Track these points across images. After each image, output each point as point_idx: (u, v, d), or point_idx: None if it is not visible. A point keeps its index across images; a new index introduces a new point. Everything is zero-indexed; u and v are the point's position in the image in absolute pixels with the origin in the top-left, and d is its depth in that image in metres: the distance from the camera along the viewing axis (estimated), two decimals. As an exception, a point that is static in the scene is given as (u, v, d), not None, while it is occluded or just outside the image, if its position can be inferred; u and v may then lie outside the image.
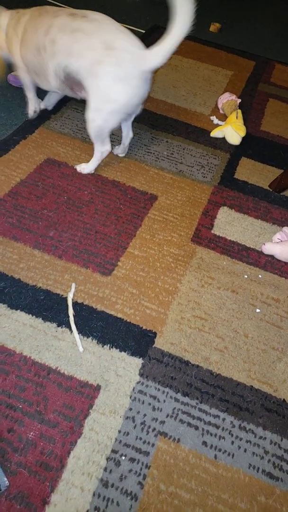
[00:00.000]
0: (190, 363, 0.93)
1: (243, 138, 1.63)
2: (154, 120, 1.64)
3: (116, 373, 0.88)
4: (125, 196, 1.28)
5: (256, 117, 1.79)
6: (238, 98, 1.81)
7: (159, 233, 1.20)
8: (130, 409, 0.83)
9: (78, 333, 0.92)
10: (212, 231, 1.25)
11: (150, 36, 2.22)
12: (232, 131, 1.58)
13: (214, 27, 2.45)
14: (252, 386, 0.92)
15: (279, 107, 1.90)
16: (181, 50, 2.16)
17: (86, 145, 1.44)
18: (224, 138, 1.62)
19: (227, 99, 1.72)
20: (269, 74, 2.15)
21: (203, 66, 2.08)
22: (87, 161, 1.36)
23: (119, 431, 0.80)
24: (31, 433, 0.77)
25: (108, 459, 0.77)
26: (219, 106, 1.75)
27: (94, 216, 1.19)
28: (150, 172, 1.40)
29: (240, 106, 1.83)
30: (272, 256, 1.21)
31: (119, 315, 0.97)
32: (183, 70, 2.00)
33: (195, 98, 1.82)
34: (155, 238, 1.18)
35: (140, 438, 0.80)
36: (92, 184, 1.29)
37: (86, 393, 0.83)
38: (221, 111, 1.75)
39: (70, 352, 0.89)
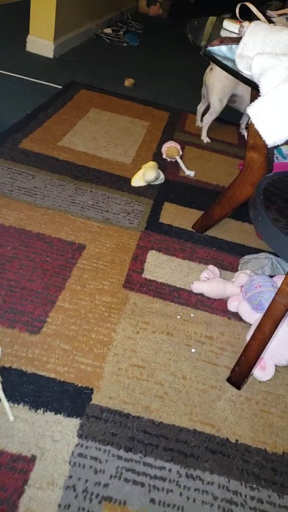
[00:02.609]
0: (131, 415, 0.90)
1: (165, 184, 1.72)
2: (77, 171, 1.67)
3: (52, 439, 0.82)
4: (51, 248, 1.26)
5: (174, 164, 1.90)
6: (178, 144, 1.97)
7: (90, 283, 1.19)
8: (70, 476, 0.77)
9: (8, 401, 0.85)
10: (143, 275, 1.27)
11: (67, 91, 2.31)
12: (142, 173, 1.69)
13: (128, 82, 2.62)
14: (195, 429, 0.91)
15: (194, 153, 2.04)
16: (98, 104, 2.27)
17: (7, 200, 1.41)
18: (145, 185, 1.69)
19: (170, 146, 1.88)
20: (183, 123, 2.33)
21: (121, 118, 2.20)
22: (8, 216, 1.33)
23: (59, 505, 0.74)
24: None
25: (49, 540, 0.70)
26: (163, 152, 1.90)
27: (19, 272, 1.15)
28: (76, 222, 1.41)
29: (159, 154, 1.94)
30: (201, 294, 1.24)
31: (52, 375, 0.93)
32: (102, 122, 2.09)
33: (116, 149, 1.90)
34: (86, 288, 1.17)
35: (83, 509, 0.74)
36: (15, 239, 1.26)
37: (19, 467, 0.76)
38: (164, 156, 1.90)
39: None
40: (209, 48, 0.81)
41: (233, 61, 0.79)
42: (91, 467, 0.80)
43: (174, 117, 2.36)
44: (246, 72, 0.75)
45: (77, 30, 3.13)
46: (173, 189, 1.72)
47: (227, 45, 0.80)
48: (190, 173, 1.83)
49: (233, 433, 0.92)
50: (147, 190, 1.67)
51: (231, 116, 2.51)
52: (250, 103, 0.69)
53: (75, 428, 0.84)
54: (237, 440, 0.91)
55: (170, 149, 1.88)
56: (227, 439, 0.91)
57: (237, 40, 0.81)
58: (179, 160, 1.86)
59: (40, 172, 1.60)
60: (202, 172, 1.89)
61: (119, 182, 1.68)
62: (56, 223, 1.37)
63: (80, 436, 0.84)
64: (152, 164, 1.73)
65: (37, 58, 2.76)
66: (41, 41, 2.79)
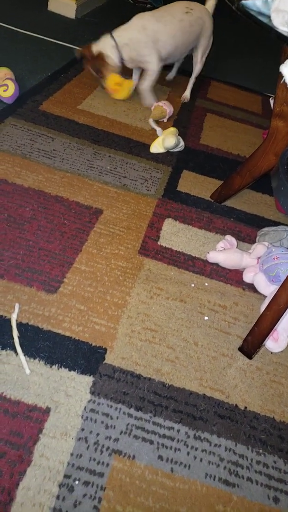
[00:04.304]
0: (142, 376, 0.92)
1: (185, 151, 1.68)
2: (96, 135, 1.65)
3: (66, 394, 0.84)
4: (69, 211, 1.26)
5: (195, 132, 1.86)
6: (173, 111, 1.88)
7: (106, 247, 1.19)
8: (82, 429, 0.80)
9: (24, 355, 0.88)
10: (159, 243, 1.26)
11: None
12: (161, 140, 1.64)
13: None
14: (204, 394, 0.92)
15: (216, 121, 1.98)
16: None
17: (27, 162, 1.41)
18: (165, 152, 1.66)
19: (158, 105, 1.81)
20: (205, 90, 2.25)
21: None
22: (27, 177, 1.33)
23: (72, 454, 0.77)
24: (-25, 468, 0.71)
25: (60, 485, 0.73)
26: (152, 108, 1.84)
27: (37, 233, 1.16)
28: (94, 186, 1.39)
29: (180, 121, 1.89)
30: (217, 264, 1.24)
31: (67, 334, 0.94)
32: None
33: (135, 114, 1.85)
34: (102, 252, 1.17)
35: (94, 459, 0.77)
36: (34, 201, 1.26)
37: (35, 417, 0.79)
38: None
39: (16, 375, 0.85)
40: (243, 2, 0.76)
41: (268, 16, 0.74)
42: (102, 422, 0.82)
43: (196, 83, 2.28)
44: (282, 28, 0.71)
45: (100, -11, 3.00)
46: (192, 157, 1.69)
47: (262, -2, 0.75)
48: (159, 131, 1.74)
49: (242, 400, 0.93)
50: (166, 157, 1.64)
51: (256, 84, 2.42)
52: (282, 61, 0.66)
53: (88, 385, 0.87)
54: (245, 407, 0.92)
55: (156, 108, 1.79)
56: (236, 405, 0.92)
57: (273, -7, 0.76)
58: (152, 122, 1.77)
59: (59, 135, 1.58)
60: (223, 141, 1.84)
61: (138, 148, 1.65)
62: (74, 186, 1.37)
63: (92, 393, 0.86)
64: (172, 130, 1.68)
65: (59, 18, 2.68)
66: (63, 1, 2.69)
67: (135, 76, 1.99)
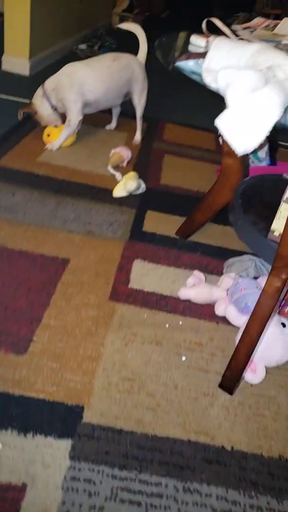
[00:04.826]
0: (123, 430, 0.88)
1: (147, 192, 1.72)
2: (57, 185, 1.67)
3: (43, 464, 0.79)
4: (34, 265, 1.25)
5: (155, 172, 1.91)
6: (132, 155, 1.93)
7: (75, 298, 1.17)
8: (64, 502, 0.75)
9: (-4, 426, 0.83)
10: (129, 286, 1.26)
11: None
12: (123, 184, 1.68)
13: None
14: (189, 439, 0.89)
15: (174, 161, 2.05)
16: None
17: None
18: (127, 195, 1.69)
19: (115, 152, 1.86)
20: (161, 132, 2.34)
21: (99, 130, 2.20)
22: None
23: (54, 531, 0.71)
24: None
25: None
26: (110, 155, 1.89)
27: (2, 291, 1.13)
28: (59, 236, 1.39)
29: (139, 164, 1.94)
30: (189, 300, 1.24)
31: (40, 396, 0.90)
32: (80, 136, 2.09)
33: (95, 161, 1.90)
34: (71, 304, 1.15)
35: (79, 533, 0.72)
36: (-2, 259, 1.24)
37: (10, 497, 0.74)
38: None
39: (-12, 450, 0.80)
40: (177, 63, 0.82)
41: (200, 75, 0.80)
42: (85, 490, 0.77)
43: (152, 126, 2.37)
44: (213, 85, 0.76)
45: (52, 47, 3.14)
46: (155, 197, 1.72)
47: (193, 59, 0.81)
48: (118, 176, 1.78)
49: (228, 440, 0.91)
50: (129, 199, 1.67)
51: (208, 122, 2.54)
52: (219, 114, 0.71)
53: (67, 450, 0.82)
54: (232, 447, 0.89)
55: (114, 155, 1.86)
56: (223, 447, 0.89)
57: (203, 54, 0.82)
58: (110, 168, 1.82)
59: (20, 189, 1.59)
60: (182, 179, 1.89)
61: (100, 193, 1.67)
62: (38, 238, 1.36)
63: (72, 458, 0.81)
64: (132, 174, 1.73)
65: (13, 76, 2.77)
66: (16, 60, 2.79)
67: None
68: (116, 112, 2.24)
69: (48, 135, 1.93)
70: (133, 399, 0.94)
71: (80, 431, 0.86)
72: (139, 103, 2.08)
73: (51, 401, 0.90)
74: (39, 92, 1.90)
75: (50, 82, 1.88)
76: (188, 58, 0.86)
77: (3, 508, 0.72)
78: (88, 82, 1.85)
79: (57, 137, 1.92)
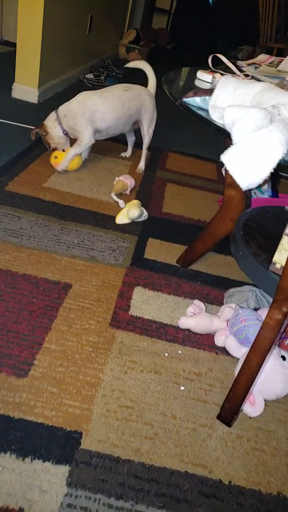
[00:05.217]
0: (121, 459, 0.88)
1: (149, 220, 1.76)
2: (62, 211, 1.70)
3: (40, 489, 0.79)
4: (37, 289, 1.26)
5: (157, 201, 1.96)
6: (135, 183, 1.99)
7: (76, 323, 1.19)
8: (59, 530, 0.74)
9: (-6, 450, 0.83)
10: (130, 312, 1.27)
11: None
12: (126, 211, 1.73)
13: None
14: (186, 471, 0.89)
15: (176, 189, 2.11)
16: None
17: (-6, 242, 1.42)
18: (130, 222, 1.73)
19: (119, 179, 1.91)
20: (164, 161, 2.41)
21: (104, 158, 2.27)
22: (-4, 257, 1.34)
23: None
24: None
25: None
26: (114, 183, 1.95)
27: (5, 314, 1.15)
28: (62, 261, 1.42)
29: (142, 192, 2.00)
30: (188, 330, 1.25)
31: (40, 420, 0.90)
32: (86, 163, 2.15)
33: (99, 188, 1.95)
34: (72, 329, 1.16)
35: None
36: (1, 281, 1.26)
37: (6, 522, 0.73)
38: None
39: (-15, 475, 0.79)
40: (184, 99, 0.87)
41: (207, 111, 0.84)
42: (81, 518, 0.77)
43: (155, 155, 2.45)
44: (219, 121, 0.81)
45: (60, 76, 3.27)
46: (156, 225, 1.76)
47: (201, 96, 0.86)
48: (121, 203, 1.84)
49: (225, 474, 0.90)
50: (132, 227, 1.71)
51: (210, 153, 2.62)
52: (224, 151, 0.75)
53: (64, 476, 0.82)
54: (230, 482, 0.89)
55: (118, 183, 1.92)
56: (220, 480, 0.89)
57: (210, 91, 0.87)
58: (114, 195, 1.88)
59: (26, 214, 1.63)
60: (184, 208, 1.94)
61: (103, 220, 1.71)
62: (42, 263, 1.38)
63: (69, 484, 0.81)
64: (135, 202, 1.77)
65: (23, 103, 2.87)
66: (26, 88, 2.90)
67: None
68: (131, 140, 2.33)
69: (56, 157, 1.99)
70: (131, 427, 0.94)
71: (78, 457, 0.86)
72: (147, 132, 2.16)
73: (50, 425, 0.90)
74: (52, 116, 1.98)
75: (63, 108, 1.96)
76: (195, 94, 0.91)
77: (0, 535, 0.71)
78: (100, 110, 1.94)
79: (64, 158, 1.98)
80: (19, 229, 1.53)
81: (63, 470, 0.83)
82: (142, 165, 2.22)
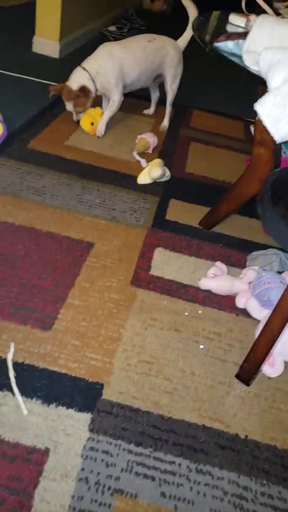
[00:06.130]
0: (141, 410, 0.91)
1: (171, 181, 1.73)
2: (83, 170, 1.69)
3: (64, 433, 0.83)
4: (60, 247, 1.28)
5: (180, 161, 1.91)
6: (158, 142, 1.93)
7: (99, 280, 1.20)
8: (83, 469, 0.79)
9: (21, 395, 0.87)
10: (150, 272, 1.28)
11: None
12: (148, 171, 1.69)
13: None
14: (204, 425, 0.92)
15: (200, 149, 2.05)
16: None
17: (17, 200, 1.43)
18: (152, 182, 1.70)
19: (141, 138, 1.86)
20: (188, 119, 2.33)
21: (126, 116, 2.20)
22: (18, 215, 1.35)
23: (73, 496, 0.75)
24: (-26, 518, 0.70)
25: (62, 531, 0.71)
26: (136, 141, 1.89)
27: (30, 270, 1.17)
28: (84, 220, 1.42)
29: (165, 151, 1.94)
30: (209, 291, 1.25)
31: (63, 371, 0.94)
32: (108, 122, 2.10)
33: (121, 147, 1.91)
34: (94, 286, 1.18)
35: (96, 501, 0.76)
36: (26, 238, 1.28)
37: (34, 459, 0.78)
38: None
39: (13, 416, 0.84)
40: (215, 44, 0.81)
41: (240, 56, 0.79)
42: (102, 460, 0.81)
43: (179, 113, 2.36)
44: (253, 68, 0.75)
45: (82, 29, 3.13)
46: (179, 185, 1.73)
47: (233, 40, 0.80)
48: (143, 162, 1.79)
49: (242, 429, 0.93)
50: (153, 187, 1.68)
51: (237, 110, 2.51)
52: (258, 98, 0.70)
53: (87, 423, 0.86)
54: (246, 436, 0.91)
55: (140, 141, 1.85)
56: (237, 435, 0.91)
57: (244, 35, 0.81)
58: (136, 154, 1.82)
59: (48, 172, 1.62)
60: (208, 168, 1.89)
61: (125, 180, 1.68)
62: (65, 221, 1.39)
63: (91, 430, 0.85)
64: (158, 161, 1.73)
65: (43, 58, 2.78)
66: (47, 42, 2.80)
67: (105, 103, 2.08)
68: (155, 96, 2.23)
69: (92, 124, 1.92)
70: (150, 381, 0.97)
71: (100, 406, 0.89)
72: (171, 88, 2.06)
73: (73, 376, 0.94)
74: (83, 74, 1.80)
75: (91, 64, 1.81)
76: (227, 38, 0.85)
77: (28, 468, 0.76)
78: (126, 64, 1.83)
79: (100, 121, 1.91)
80: (42, 187, 1.52)
81: (86, 417, 0.87)
82: (166, 123, 2.15)
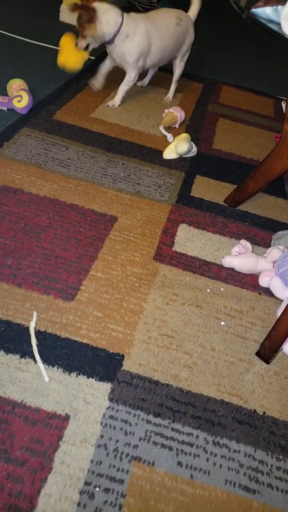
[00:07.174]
0: (160, 382, 0.92)
1: (198, 156, 1.69)
2: (109, 143, 1.66)
3: (84, 401, 0.85)
4: (84, 219, 1.28)
5: (207, 136, 1.86)
6: (185, 116, 1.89)
7: (121, 254, 1.20)
8: (102, 436, 0.81)
9: (43, 363, 0.89)
10: (173, 248, 1.27)
11: (100, 62, 2.27)
12: (174, 146, 1.65)
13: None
14: (222, 399, 0.92)
15: (228, 125, 1.99)
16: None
17: (42, 171, 1.43)
18: (177, 158, 1.67)
19: (169, 111, 1.82)
20: (217, 95, 2.26)
21: (153, 89, 2.15)
22: (43, 186, 1.35)
23: (91, 461, 0.77)
24: (-2, 474, 0.73)
25: (81, 492, 0.74)
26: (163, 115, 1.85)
27: (53, 241, 1.18)
28: (109, 194, 1.41)
29: (192, 126, 1.90)
30: (232, 269, 1.23)
31: (85, 341, 0.95)
32: (135, 94, 2.06)
33: (148, 120, 1.87)
34: (117, 259, 1.18)
35: (114, 466, 0.78)
36: (50, 209, 1.28)
37: (55, 424, 0.80)
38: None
39: (35, 383, 0.86)
40: (253, 10, 0.77)
41: (278, 24, 0.75)
42: (121, 429, 0.83)
43: (208, 88, 2.29)
44: (293, 36, 0.71)
45: (110, -2, 3.04)
46: (205, 162, 1.69)
47: (272, 6, 0.76)
48: (170, 137, 1.75)
49: (260, 405, 0.93)
50: (179, 162, 1.65)
51: (268, 87, 2.41)
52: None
53: (106, 392, 0.87)
54: (264, 413, 0.91)
55: (167, 115, 1.80)
56: (255, 410, 0.91)
57: (283, 0, 0.76)
58: (162, 129, 1.78)
59: (73, 144, 1.61)
60: (236, 145, 1.84)
61: (150, 154, 1.66)
62: (89, 194, 1.38)
63: (111, 399, 0.87)
64: (184, 136, 1.69)
65: (71, 28, 2.72)
66: (73, 10, 2.73)
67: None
68: (153, 71, 2.18)
69: (77, 44, 1.73)
70: (170, 355, 0.98)
71: (120, 377, 0.91)
72: (179, 65, 2.01)
73: (94, 346, 0.95)
74: (117, 17, 1.65)
75: (130, 26, 1.67)
76: (265, 4, 0.80)
77: (48, 433, 0.79)
78: (153, 51, 1.81)
79: (80, 59, 1.76)
80: (67, 159, 1.52)
81: (106, 386, 0.88)
82: (170, 96, 2.08)
